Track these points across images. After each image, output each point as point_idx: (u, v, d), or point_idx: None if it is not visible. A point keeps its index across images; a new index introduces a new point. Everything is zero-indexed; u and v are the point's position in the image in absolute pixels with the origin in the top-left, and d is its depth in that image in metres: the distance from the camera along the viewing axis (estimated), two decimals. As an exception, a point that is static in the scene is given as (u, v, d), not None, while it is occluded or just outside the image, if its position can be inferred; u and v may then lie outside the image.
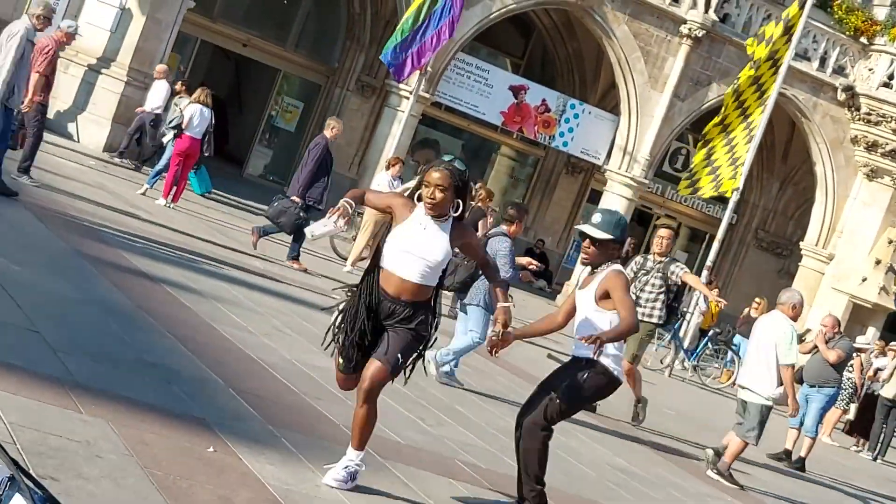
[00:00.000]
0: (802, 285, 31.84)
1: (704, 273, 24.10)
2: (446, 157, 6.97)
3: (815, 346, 16.84)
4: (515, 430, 7.71)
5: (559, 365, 8.25)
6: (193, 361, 8.79)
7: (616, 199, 30.39)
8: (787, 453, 16.00)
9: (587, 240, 7.54)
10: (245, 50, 31.52)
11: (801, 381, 16.96)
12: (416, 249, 6.77)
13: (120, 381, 7.50)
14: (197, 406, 7.55)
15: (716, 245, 24.18)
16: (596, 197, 32.55)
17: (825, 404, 16.70)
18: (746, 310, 26.71)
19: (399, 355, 6.76)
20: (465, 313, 12.43)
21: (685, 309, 24.39)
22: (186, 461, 6.36)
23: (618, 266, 7.55)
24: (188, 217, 18.70)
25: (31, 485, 4.24)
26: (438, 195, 6.71)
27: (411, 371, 7.12)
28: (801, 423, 16.30)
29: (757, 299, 26.58)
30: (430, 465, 8.22)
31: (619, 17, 29.43)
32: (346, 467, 6.86)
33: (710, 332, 24.51)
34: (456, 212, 6.83)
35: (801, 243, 32.91)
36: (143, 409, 7.04)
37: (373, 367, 6.74)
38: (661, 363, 23.18)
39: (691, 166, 24.46)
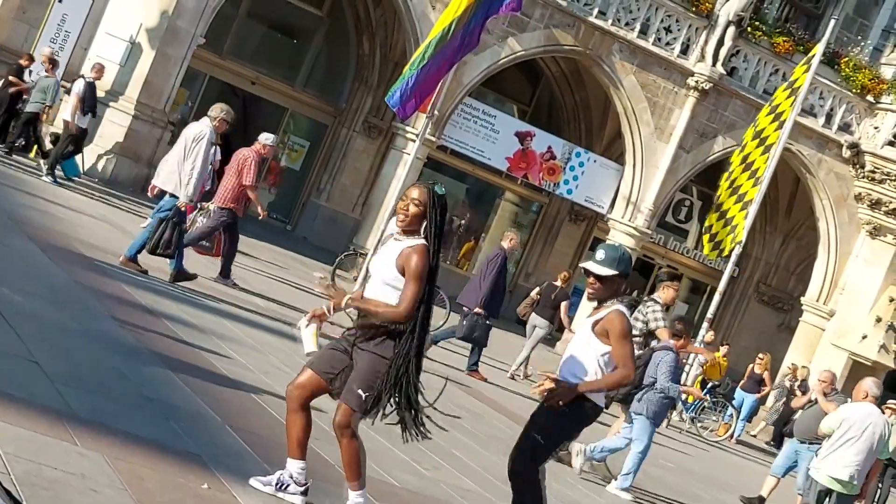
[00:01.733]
0: (802, 341, 31.83)
1: (705, 325, 24.09)
2: (434, 182, 7.06)
3: (809, 401, 16.73)
4: (509, 477, 7.68)
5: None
6: (191, 397, 8.77)
7: (618, 248, 30.37)
8: (761, 500, 15.80)
9: (591, 277, 7.54)
10: (253, 88, 31.62)
11: (790, 436, 16.87)
12: (373, 268, 7.00)
13: (117, 415, 7.48)
14: (193, 442, 7.53)
15: (717, 298, 24.15)
16: (598, 245, 32.51)
17: None
18: (750, 366, 26.67)
19: (359, 391, 6.76)
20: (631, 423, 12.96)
21: (684, 360, 24.34)
22: (181, 497, 6.34)
23: (622, 308, 7.53)
24: (190, 253, 18.68)
25: (25, 516, 4.23)
26: (412, 209, 6.83)
27: (380, 409, 6.94)
28: (783, 473, 16.10)
29: (760, 355, 26.56)
30: (424, 510, 8.19)
31: (628, 68, 29.53)
32: None
33: (710, 385, 24.45)
34: (424, 233, 6.86)
35: (802, 298, 32.85)
36: (140, 444, 7.02)
37: (339, 410, 6.83)
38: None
39: (710, 227, 24.43)
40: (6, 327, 8.61)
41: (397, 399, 6.89)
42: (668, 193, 31.03)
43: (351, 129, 31.76)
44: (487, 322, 17.82)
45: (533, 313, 20.59)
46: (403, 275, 6.77)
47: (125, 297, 12.11)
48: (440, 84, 20.40)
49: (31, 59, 22.81)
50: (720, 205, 24.29)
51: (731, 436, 24.49)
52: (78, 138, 21.71)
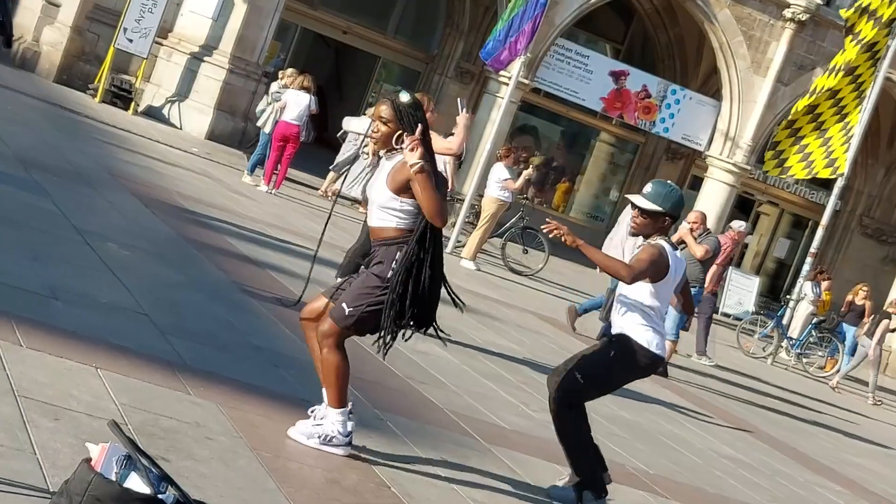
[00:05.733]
0: (908, 273, 31.32)
1: (809, 260, 23.76)
2: (398, 88, 6.82)
3: (681, 241, 16.12)
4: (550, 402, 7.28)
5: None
6: (298, 345, 8.79)
7: (718, 185, 30.11)
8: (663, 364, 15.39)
9: (636, 210, 7.23)
10: (345, 37, 31.66)
11: None
12: (371, 193, 6.65)
13: (227, 364, 7.55)
14: (303, 389, 7.57)
15: (820, 231, 23.83)
16: (697, 183, 32.22)
17: None
18: (851, 297, 26.25)
19: (345, 306, 6.43)
20: None
21: (789, 296, 24.08)
22: (294, 444, 6.39)
23: (660, 241, 7.15)
24: (290, 203, 18.83)
25: (146, 464, 4.28)
26: (382, 128, 6.52)
27: (390, 338, 6.62)
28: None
29: (862, 286, 26.10)
30: (535, 451, 8.17)
31: (722, 2, 29.08)
32: (318, 425, 6.54)
33: (815, 320, 24.12)
34: (399, 144, 6.45)
35: (906, 230, 32.36)
36: (251, 392, 7.09)
37: (324, 322, 6.56)
38: (764, 350, 22.90)
39: (776, 144, 24.21)
40: (115, 281, 8.71)
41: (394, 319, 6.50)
42: (767, 128, 30.59)
43: (443, 74, 31.69)
44: None
45: None
46: (399, 194, 6.41)
47: (228, 248, 12.21)
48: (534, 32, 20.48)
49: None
50: (793, 122, 23.96)
51: (838, 370, 24.10)
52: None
